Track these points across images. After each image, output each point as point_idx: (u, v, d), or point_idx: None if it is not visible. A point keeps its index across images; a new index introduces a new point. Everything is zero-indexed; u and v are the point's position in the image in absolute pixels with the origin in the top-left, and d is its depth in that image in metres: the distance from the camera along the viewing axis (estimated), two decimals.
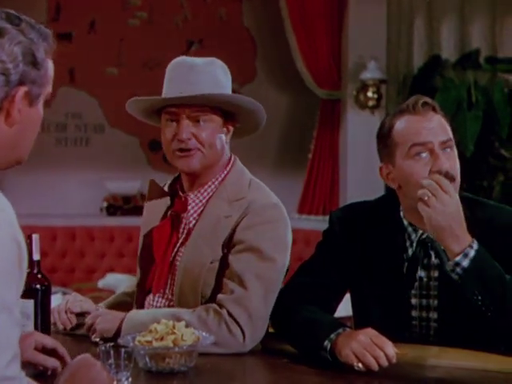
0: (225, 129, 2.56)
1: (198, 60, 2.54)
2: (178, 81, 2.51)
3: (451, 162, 2.39)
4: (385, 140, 2.46)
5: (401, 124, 2.43)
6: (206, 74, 2.50)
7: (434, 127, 2.40)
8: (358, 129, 6.64)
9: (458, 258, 2.25)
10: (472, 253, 2.25)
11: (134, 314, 2.45)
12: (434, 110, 2.43)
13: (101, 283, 6.55)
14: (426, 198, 2.28)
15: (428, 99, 2.44)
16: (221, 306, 2.37)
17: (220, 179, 2.56)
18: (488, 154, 6.47)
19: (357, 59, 6.77)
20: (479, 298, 2.24)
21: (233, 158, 2.61)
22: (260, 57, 7.55)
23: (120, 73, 7.49)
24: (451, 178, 2.36)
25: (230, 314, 2.35)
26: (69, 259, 7.21)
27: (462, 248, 2.25)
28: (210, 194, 2.55)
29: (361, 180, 6.47)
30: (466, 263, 2.24)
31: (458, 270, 2.25)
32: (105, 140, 7.53)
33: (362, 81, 6.72)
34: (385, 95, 6.83)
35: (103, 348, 2.05)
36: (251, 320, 2.36)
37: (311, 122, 7.23)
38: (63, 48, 7.27)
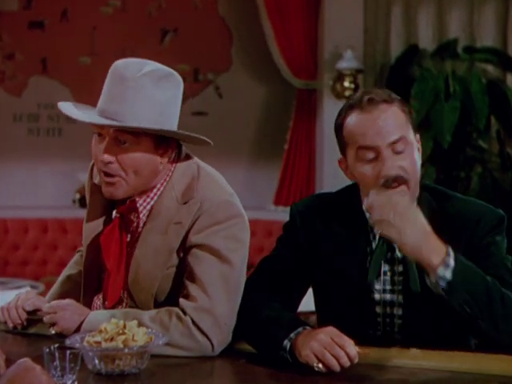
0: (159, 151, 2.36)
1: (134, 69, 2.33)
2: (107, 94, 2.36)
3: (405, 162, 2.25)
4: (338, 135, 2.37)
5: (350, 122, 2.30)
6: (135, 90, 2.30)
7: (382, 127, 2.24)
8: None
9: (439, 271, 2.11)
10: (451, 262, 2.12)
11: (94, 315, 2.34)
12: (385, 101, 2.27)
13: None
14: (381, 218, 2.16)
15: (374, 95, 2.27)
16: (184, 312, 2.27)
17: (167, 178, 2.41)
18: (465, 145, 6.40)
19: (333, 48, 6.67)
20: (467, 309, 2.12)
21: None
22: (235, 46, 7.43)
23: (93, 62, 7.36)
24: (403, 182, 2.24)
25: (194, 323, 2.25)
26: (41, 252, 7.11)
27: (441, 258, 2.12)
28: (158, 194, 2.41)
29: (337, 170, 6.35)
30: (448, 275, 2.11)
31: (442, 283, 2.12)
32: (78, 130, 7.40)
33: (338, 70, 6.62)
34: (362, 85, 6.73)
35: (47, 349, 1.95)
36: (218, 326, 2.26)
37: (287, 111, 7.13)
38: (35, 37, 7.25)
